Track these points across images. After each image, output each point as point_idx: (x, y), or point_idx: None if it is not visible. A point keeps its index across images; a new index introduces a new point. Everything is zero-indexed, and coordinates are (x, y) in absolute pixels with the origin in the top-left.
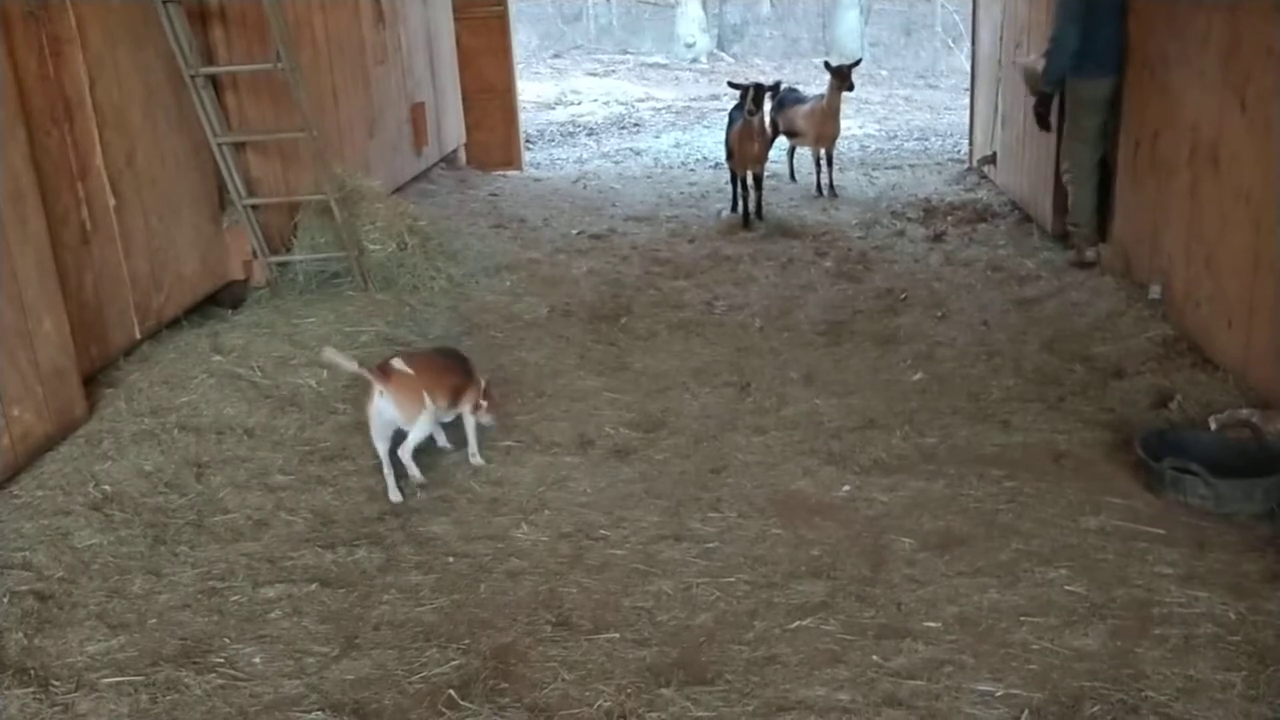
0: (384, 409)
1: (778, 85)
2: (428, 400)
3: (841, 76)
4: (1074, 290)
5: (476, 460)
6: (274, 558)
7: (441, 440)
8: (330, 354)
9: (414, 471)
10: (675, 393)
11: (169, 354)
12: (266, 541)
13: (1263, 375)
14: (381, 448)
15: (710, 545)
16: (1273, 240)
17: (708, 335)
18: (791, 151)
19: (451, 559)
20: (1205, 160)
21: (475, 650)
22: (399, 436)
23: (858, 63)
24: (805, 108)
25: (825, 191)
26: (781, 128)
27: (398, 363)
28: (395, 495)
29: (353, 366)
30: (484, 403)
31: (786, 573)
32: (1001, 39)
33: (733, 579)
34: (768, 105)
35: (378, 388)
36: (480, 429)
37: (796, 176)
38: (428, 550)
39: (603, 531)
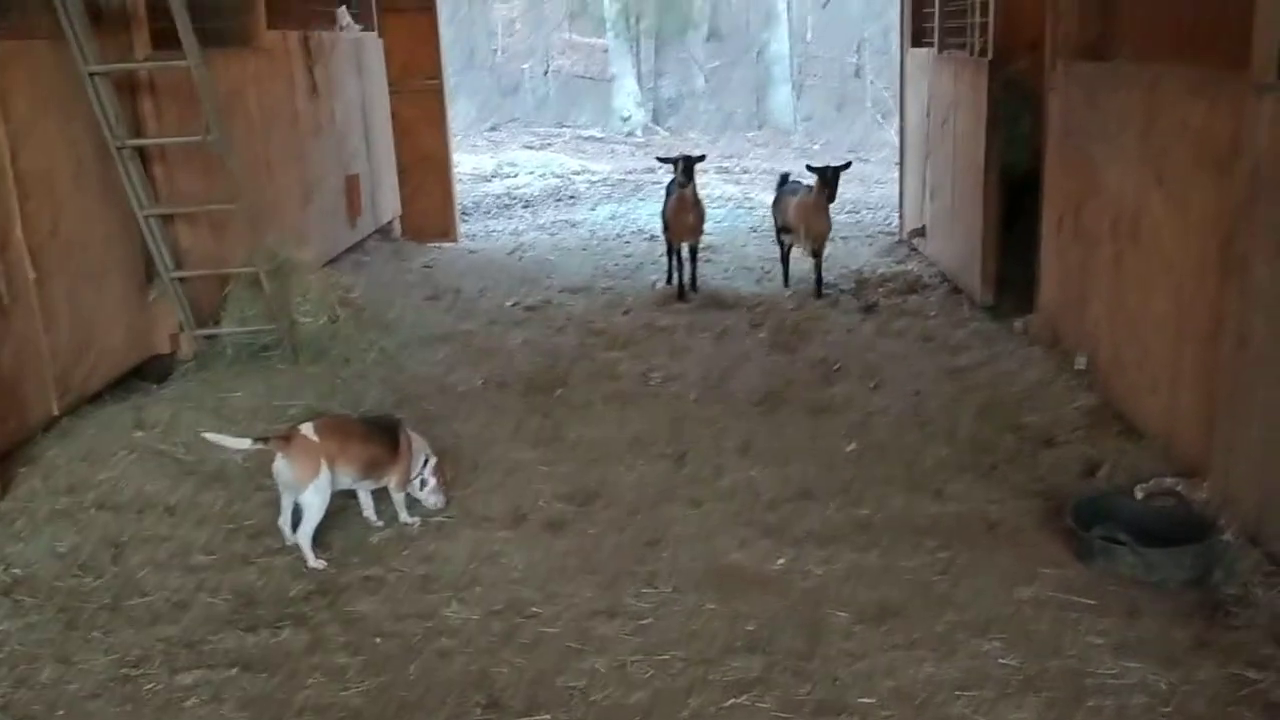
0: (281, 471)
1: (702, 157)
2: (324, 468)
3: (823, 181)
4: (1004, 360)
5: (404, 518)
6: (193, 641)
7: (369, 513)
8: (213, 437)
9: (309, 558)
10: (610, 464)
11: (89, 429)
12: (185, 624)
13: (1186, 442)
14: (285, 501)
15: (645, 621)
16: (1193, 309)
17: (643, 406)
18: (786, 254)
19: (379, 639)
20: (1127, 232)
21: None
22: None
23: (847, 165)
24: (795, 199)
25: (820, 291)
26: (778, 221)
27: (305, 427)
28: (290, 539)
29: (243, 444)
30: (431, 479)
31: (722, 648)
32: (929, 115)
33: (668, 655)
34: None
35: (277, 451)
36: (413, 501)
37: (790, 282)
38: (355, 630)
39: (535, 608)
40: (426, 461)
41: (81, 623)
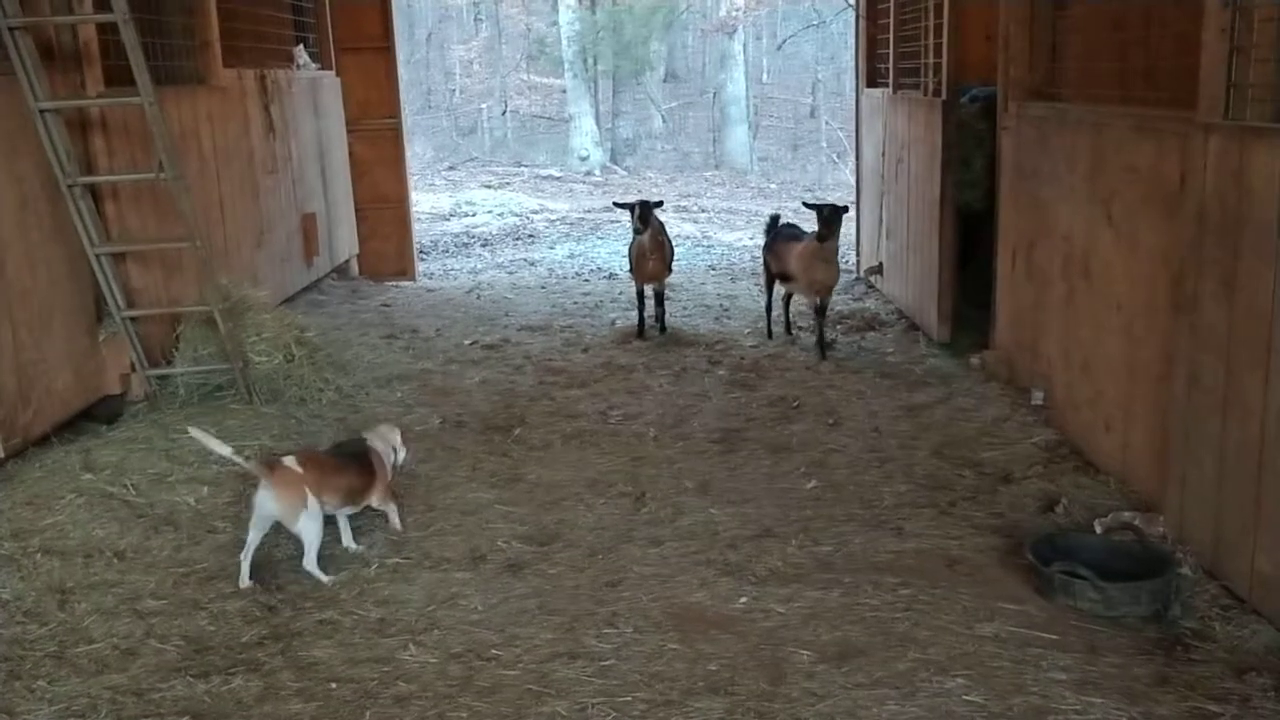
0: (265, 502)
1: (659, 203)
2: (310, 500)
3: (823, 223)
4: (961, 396)
5: (349, 543)
6: (141, 690)
7: (348, 540)
8: (199, 434)
9: (321, 577)
10: (570, 504)
11: (35, 473)
12: (134, 672)
13: (1141, 477)
14: (253, 536)
15: (606, 663)
16: (1144, 347)
17: (602, 445)
18: (787, 301)
19: (335, 685)
20: (1078, 271)
21: None
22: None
23: (845, 209)
24: (798, 246)
25: (823, 351)
26: (774, 269)
27: (289, 459)
28: (245, 582)
29: (225, 450)
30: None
31: (684, 690)
32: (883, 154)
33: (629, 698)
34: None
35: (263, 481)
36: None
37: (795, 332)
38: (309, 676)
39: (494, 651)
40: (397, 452)
41: (25, 672)
